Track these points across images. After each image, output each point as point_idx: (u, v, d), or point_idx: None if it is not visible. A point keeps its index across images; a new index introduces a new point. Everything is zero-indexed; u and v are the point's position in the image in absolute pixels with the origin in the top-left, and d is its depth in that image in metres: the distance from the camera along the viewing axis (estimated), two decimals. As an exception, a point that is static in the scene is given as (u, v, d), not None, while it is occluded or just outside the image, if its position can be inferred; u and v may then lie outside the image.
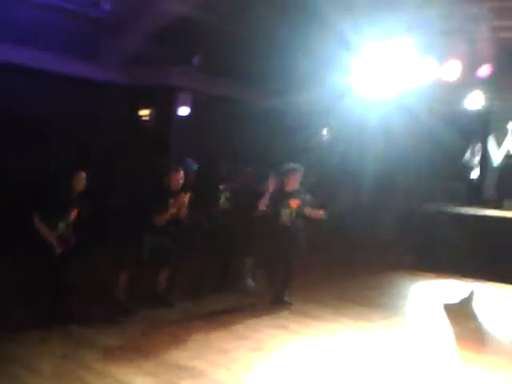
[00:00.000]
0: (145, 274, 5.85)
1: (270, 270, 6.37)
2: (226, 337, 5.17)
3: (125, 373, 4.17)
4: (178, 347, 4.82)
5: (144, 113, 10.54)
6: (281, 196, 6.14)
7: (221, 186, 6.95)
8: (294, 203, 6.08)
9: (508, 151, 10.86)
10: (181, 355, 4.63)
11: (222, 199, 6.91)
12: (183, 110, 10.30)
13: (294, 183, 6.12)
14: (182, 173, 5.96)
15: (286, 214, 6.07)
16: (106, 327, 5.22)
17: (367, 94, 8.94)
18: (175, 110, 10.37)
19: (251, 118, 10.76)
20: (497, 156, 10.86)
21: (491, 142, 11.40)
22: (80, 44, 8.64)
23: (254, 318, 5.77)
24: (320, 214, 6.11)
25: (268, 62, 9.37)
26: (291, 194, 6.12)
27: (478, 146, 10.97)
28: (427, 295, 7.44)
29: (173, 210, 5.76)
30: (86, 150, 8.87)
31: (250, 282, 6.91)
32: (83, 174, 5.33)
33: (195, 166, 7.46)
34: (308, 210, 6.12)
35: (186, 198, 5.88)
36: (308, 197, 6.23)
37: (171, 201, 5.76)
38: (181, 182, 5.93)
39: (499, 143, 11.12)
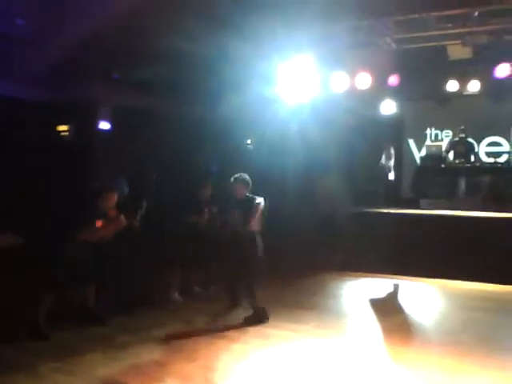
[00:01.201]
0: (68, 292, 5.78)
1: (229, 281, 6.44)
2: (159, 349, 5.19)
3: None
4: (108, 363, 4.79)
5: (63, 128, 10.36)
6: (227, 205, 6.27)
7: (143, 203, 6.92)
8: (237, 213, 6.15)
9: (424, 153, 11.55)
10: (112, 370, 4.61)
11: (139, 216, 6.89)
12: (104, 124, 10.22)
13: (240, 193, 6.18)
14: (115, 195, 5.89)
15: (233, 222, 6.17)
16: (30, 348, 5.11)
17: (286, 100, 9.22)
18: (96, 125, 10.27)
19: (175, 128, 10.80)
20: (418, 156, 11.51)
21: (412, 145, 12.09)
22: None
23: (188, 329, 5.82)
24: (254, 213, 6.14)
25: (190, 72, 9.46)
26: (236, 204, 6.18)
27: (392, 150, 11.57)
28: (356, 294, 7.76)
29: (100, 232, 5.73)
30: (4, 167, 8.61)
31: (177, 296, 6.96)
32: None
33: (127, 189, 7.35)
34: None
35: (123, 222, 5.89)
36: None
37: (101, 221, 5.72)
38: (113, 204, 5.87)
39: (418, 145, 11.80)
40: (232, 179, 6.23)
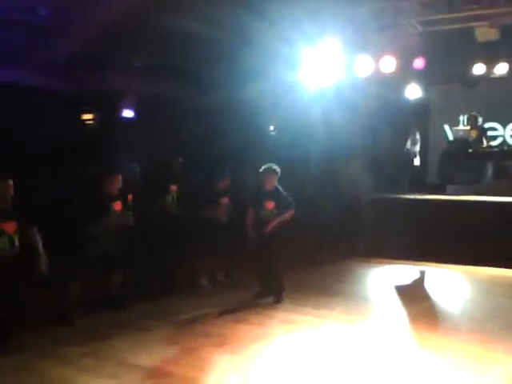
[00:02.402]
0: (94, 280, 5.85)
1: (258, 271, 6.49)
2: (189, 335, 5.23)
3: (85, 377, 4.17)
4: (137, 348, 4.84)
5: (88, 117, 10.45)
6: (258, 196, 6.29)
7: (172, 186, 6.94)
8: (269, 205, 6.20)
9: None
10: (140, 356, 4.65)
11: (170, 199, 6.91)
12: (127, 113, 10.28)
13: (270, 183, 6.22)
14: (119, 177, 5.93)
15: (265, 215, 6.22)
16: (59, 334, 5.19)
17: (309, 85, 9.14)
18: (119, 113, 10.34)
19: (197, 116, 10.82)
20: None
21: (448, 130, 11.88)
22: (19, 51, 8.49)
23: (215, 315, 5.84)
24: (287, 215, 6.25)
25: (213, 58, 9.44)
26: (268, 195, 6.23)
27: (418, 135, 11.40)
28: (382, 280, 7.74)
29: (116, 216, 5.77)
30: (29, 156, 8.72)
31: (206, 283, 6.99)
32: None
33: (137, 168, 7.38)
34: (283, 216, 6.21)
35: (129, 198, 5.91)
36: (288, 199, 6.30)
37: (112, 205, 5.77)
38: (119, 186, 5.90)
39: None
40: (262, 169, 6.24)
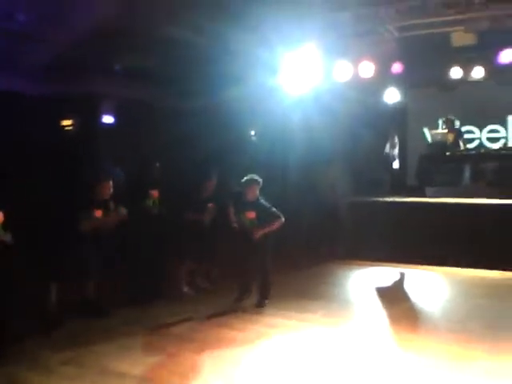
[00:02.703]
0: (72, 284, 5.83)
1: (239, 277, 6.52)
2: (169, 340, 5.22)
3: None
4: (118, 354, 4.82)
5: (67, 122, 10.38)
6: (240, 205, 6.31)
7: (152, 191, 6.92)
8: (250, 214, 6.21)
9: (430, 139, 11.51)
10: (122, 362, 4.64)
11: (150, 203, 6.89)
12: (107, 118, 10.24)
13: (252, 194, 6.23)
14: (111, 184, 5.97)
15: (245, 222, 6.25)
16: (39, 340, 5.14)
17: (289, 90, 9.20)
18: (99, 118, 10.29)
19: (177, 121, 10.80)
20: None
21: (427, 133, 12.01)
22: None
23: (198, 321, 5.85)
24: (274, 225, 6.23)
25: (193, 63, 9.44)
26: (249, 205, 6.24)
27: (397, 138, 11.54)
28: (362, 282, 7.80)
29: (100, 222, 5.76)
30: (7, 162, 8.62)
31: (187, 289, 6.99)
32: None
33: (121, 173, 7.32)
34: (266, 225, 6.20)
35: (124, 214, 5.94)
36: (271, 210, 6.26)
37: (98, 211, 5.77)
38: (110, 192, 5.94)
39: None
40: (245, 180, 6.25)
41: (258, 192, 6.26)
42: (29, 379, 4.32)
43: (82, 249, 5.71)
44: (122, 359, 4.72)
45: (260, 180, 6.29)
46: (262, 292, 6.39)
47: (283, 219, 6.23)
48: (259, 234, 6.16)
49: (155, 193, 6.88)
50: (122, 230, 6.16)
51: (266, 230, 6.20)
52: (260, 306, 6.30)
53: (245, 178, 6.29)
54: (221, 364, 4.64)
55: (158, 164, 7.15)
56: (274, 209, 6.26)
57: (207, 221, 6.91)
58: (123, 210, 5.99)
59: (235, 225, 6.36)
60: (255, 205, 6.23)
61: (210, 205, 6.93)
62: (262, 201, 6.28)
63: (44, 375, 4.40)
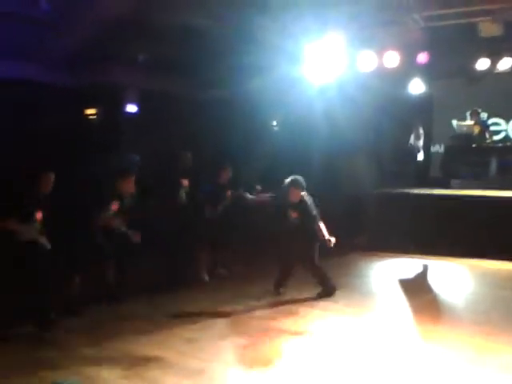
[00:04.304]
0: (95, 272, 5.89)
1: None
2: (192, 327, 5.26)
3: (89, 367, 4.20)
4: (141, 339, 4.88)
5: (91, 112, 10.48)
6: (284, 207, 6.25)
7: (184, 181, 6.94)
8: (294, 214, 6.18)
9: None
10: (146, 346, 4.69)
11: (182, 194, 6.93)
12: (131, 107, 10.31)
13: (294, 197, 6.14)
14: (133, 179, 5.96)
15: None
16: (63, 325, 5.21)
17: (312, 80, 9.15)
18: (123, 108, 10.37)
19: (201, 111, 10.84)
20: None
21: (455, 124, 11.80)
22: (21, 45, 8.50)
23: (218, 308, 5.88)
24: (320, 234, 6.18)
25: (216, 53, 9.45)
26: (292, 207, 6.18)
27: (421, 130, 11.40)
28: (385, 273, 7.77)
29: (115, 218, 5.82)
30: (34, 151, 8.74)
31: (206, 276, 7.03)
32: (52, 176, 5.30)
33: (137, 157, 7.32)
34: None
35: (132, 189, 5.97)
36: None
37: (117, 204, 5.81)
38: (132, 189, 5.96)
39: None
40: (287, 183, 6.16)
41: (299, 193, 6.13)
42: (54, 360, 4.38)
43: (99, 235, 5.76)
44: (144, 343, 4.78)
45: (299, 182, 6.13)
46: (321, 284, 6.37)
47: (320, 223, 6.18)
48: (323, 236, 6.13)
49: (186, 182, 6.92)
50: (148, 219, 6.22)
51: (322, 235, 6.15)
52: (322, 296, 6.28)
53: (287, 179, 6.17)
54: (241, 350, 4.66)
55: (189, 154, 7.19)
56: (314, 212, 6.20)
57: (221, 208, 6.94)
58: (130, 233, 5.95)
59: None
60: (298, 206, 6.16)
61: (228, 193, 6.96)
62: (307, 202, 6.19)
63: (69, 357, 4.46)
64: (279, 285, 6.46)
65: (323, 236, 6.12)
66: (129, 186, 5.94)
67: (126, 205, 5.99)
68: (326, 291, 6.32)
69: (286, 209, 6.22)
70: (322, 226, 6.18)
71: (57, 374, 4.06)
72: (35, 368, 4.19)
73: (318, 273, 6.36)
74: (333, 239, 6.11)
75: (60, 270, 5.44)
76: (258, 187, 6.93)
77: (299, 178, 6.16)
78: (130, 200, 6.06)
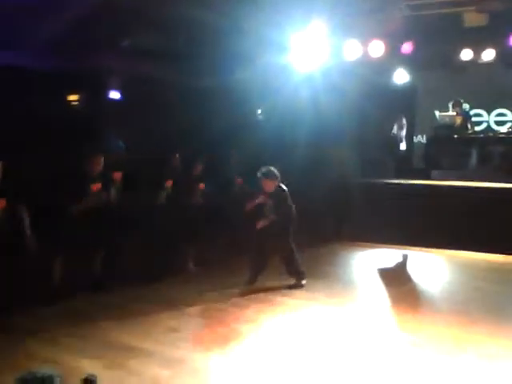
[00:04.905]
0: (76, 259, 5.86)
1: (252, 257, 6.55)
2: (174, 316, 5.29)
3: (70, 357, 4.21)
4: (123, 328, 4.90)
5: (74, 98, 10.35)
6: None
7: (167, 182, 6.91)
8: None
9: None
10: (125, 335, 4.72)
11: (164, 195, 6.90)
12: (114, 94, 10.21)
13: (268, 187, 6.21)
14: (101, 158, 5.92)
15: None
16: (44, 314, 5.24)
17: (298, 68, 9.13)
18: (106, 94, 10.26)
19: (184, 99, 10.75)
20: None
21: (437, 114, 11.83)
22: (3, 31, 8.35)
23: (201, 298, 5.91)
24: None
25: (201, 41, 9.37)
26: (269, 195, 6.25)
27: (404, 120, 11.45)
28: (365, 263, 7.87)
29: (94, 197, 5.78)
30: (14, 137, 8.63)
31: (192, 267, 7.06)
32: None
33: (123, 145, 7.23)
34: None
35: (117, 177, 5.93)
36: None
37: (92, 186, 5.78)
38: (100, 167, 5.92)
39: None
40: (259, 174, 6.20)
41: (273, 184, 6.20)
42: (34, 349, 4.39)
43: (83, 224, 5.71)
44: (126, 332, 4.80)
45: (270, 173, 6.19)
46: (296, 274, 6.43)
47: (292, 217, 6.30)
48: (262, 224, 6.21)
49: (170, 183, 6.90)
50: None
51: (267, 221, 6.22)
52: (297, 286, 6.34)
53: (262, 170, 6.22)
54: (224, 340, 4.70)
55: (177, 155, 7.14)
56: (288, 209, 6.28)
57: (199, 203, 6.98)
58: (104, 195, 5.93)
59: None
60: (273, 195, 6.23)
61: (200, 185, 7.01)
62: (281, 192, 6.26)
63: (49, 346, 4.47)
64: (256, 275, 6.47)
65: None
66: (97, 165, 5.89)
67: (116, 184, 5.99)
68: (297, 284, 6.38)
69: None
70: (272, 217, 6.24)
71: (35, 363, 4.04)
72: (13, 357, 4.19)
73: (295, 263, 6.42)
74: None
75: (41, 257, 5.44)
76: (239, 179, 6.95)
77: (271, 168, 6.22)
78: (115, 191, 6.03)
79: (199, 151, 7.33)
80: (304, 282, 6.42)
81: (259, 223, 6.22)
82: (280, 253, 6.44)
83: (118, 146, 6.78)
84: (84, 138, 8.87)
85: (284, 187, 6.31)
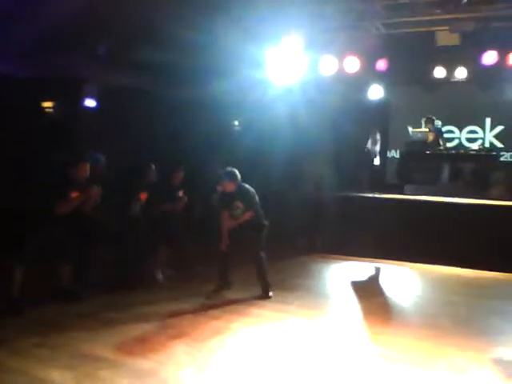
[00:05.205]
0: (42, 268, 5.79)
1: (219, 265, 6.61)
2: (143, 327, 5.24)
3: (39, 368, 4.14)
4: (92, 338, 4.83)
5: (48, 105, 10.25)
6: (226, 199, 6.44)
7: (142, 194, 6.85)
8: (239, 204, 6.37)
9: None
10: (96, 346, 4.65)
11: (137, 208, 6.84)
12: (89, 102, 10.14)
13: (228, 187, 6.38)
14: (88, 165, 5.93)
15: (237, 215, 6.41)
16: (13, 324, 5.12)
17: (274, 82, 9.21)
18: (81, 102, 10.18)
19: (161, 109, 10.73)
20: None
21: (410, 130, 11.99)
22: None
23: (172, 308, 5.86)
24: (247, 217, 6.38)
25: (178, 53, 9.38)
26: (233, 197, 6.37)
27: (378, 135, 11.61)
28: (338, 276, 7.89)
29: (76, 202, 5.73)
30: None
31: (161, 277, 7.00)
32: None
33: (102, 159, 7.16)
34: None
35: (96, 191, 5.90)
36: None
37: (75, 193, 5.73)
38: (86, 174, 5.91)
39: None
40: (221, 175, 6.39)
41: (233, 184, 6.36)
42: (2, 360, 4.29)
43: (54, 232, 5.64)
44: (96, 343, 4.72)
45: (232, 173, 6.37)
46: (263, 284, 6.46)
47: (252, 212, 6.38)
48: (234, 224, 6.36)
49: (143, 195, 6.83)
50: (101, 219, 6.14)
51: (236, 223, 6.38)
52: (263, 297, 6.35)
53: (223, 171, 6.41)
54: (194, 351, 4.66)
55: (153, 166, 7.11)
56: (252, 199, 6.39)
57: (179, 211, 7.01)
58: (96, 188, 5.92)
59: (225, 237, 6.42)
60: (237, 195, 6.36)
61: (180, 193, 7.05)
62: (242, 190, 6.39)
63: (18, 356, 4.38)
64: (221, 281, 6.52)
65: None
66: (82, 173, 5.87)
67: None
68: (264, 296, 6.39)
69: (229, 200, 6.39)
70: (249, 214, 6.38)
71: (5, 375, 3.97)
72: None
73: (261, 266, 6.45)
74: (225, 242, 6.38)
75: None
76: (219, 187, 6.96)
77: (231, 169, 6.40)
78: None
79: (178, 160, 7.32)
80: (271, 293, 6.43)
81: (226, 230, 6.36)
82: (250, 259, 6.48)
83: (97, 159, 6.65)
84: (58, 145, 8.80)
85: (248, 186, 6.44)
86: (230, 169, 6.42)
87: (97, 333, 4.99)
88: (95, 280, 6.45)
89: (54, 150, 8.40)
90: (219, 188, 6.70)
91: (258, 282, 6.50)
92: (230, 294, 6.43)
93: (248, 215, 6.38)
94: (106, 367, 4.23)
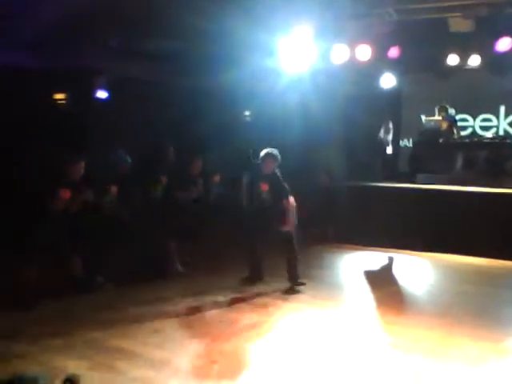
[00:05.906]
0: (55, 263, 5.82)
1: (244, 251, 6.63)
2: (159, 317, 5.27)
3: (57, 358, 4.20)
4: (108, 329, 4.88)
5: (60, 96, 10.28)
6: (255, 177, 6.43)
7: (162, 178, 6.87)
8: (264, 187, 6.37)
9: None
10: (113, 337, 4.70)
11: (159, 190, 6.85)
12: (101, 93, 10.16)
13: (267, 168, 6.37)
14: (83, 165, 5.88)
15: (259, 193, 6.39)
16: (29, 315, 5.19)
17: (286, 71, 9.16)
18: (93, 93, 10.20)
19: (172, 99, 10.73)
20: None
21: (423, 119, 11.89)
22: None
23: (188, 299, 5.91)
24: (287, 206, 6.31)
25: (190, 43, 9.36)
26: (264, 178, 6.38)
27: (391, 124, 11.54)
28: (351, 266, 7.92)
29: (63, 201, 5.68)
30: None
31: (179, 267, 7.02)
32: None
33: (129, 159, 7.12)
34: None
35: (114, 190, 5.93)
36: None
37: (64, 191, 5.67)
38: (81, 173, 5.87)
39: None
40: (263, 153, 6.38)
41: (273, 166, 6.38)
42: (20, 350, 4.35)
43: (57, 225, 5.65)
44: (112, 333, 4.78)
45: (275, 154, 6.39)
46: (290, 279, 6.42)
47: (290, 199, 6.35)
48: (286, 223, 6.29)
49: (165, 179, 6.85)
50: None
51: (289, 218, 6.30)
52: (290, 292, 6.30)
53: (263, 151, 6.40)
54: (206, 341, 4.71)
55: (172, 148, 7.11)
56: (285, 185, 6.38)
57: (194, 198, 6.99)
58: (90, 193, 5.91)
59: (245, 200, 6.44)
60: (269, 177, 6.37)
61: (199, 182, 7.04)
62: (277, 174, 6.41)
63: (35, 347, 4.43)
64: (254, 274, 6.52)
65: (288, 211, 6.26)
66: (75, 172, 5.84)
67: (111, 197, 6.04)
68: (291, 291, 6.33)
69: (257, 182, 6.36)
70: (292, 200, 6.36)
71: (22, 364, 4.03)
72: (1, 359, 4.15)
73: (292, 267, 6.40)
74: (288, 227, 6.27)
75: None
76: (217, 177, 6.99)
77: (275, 150, 6.39)
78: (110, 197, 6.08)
79: (196, 149, 7.32)
80: (298, 288, 6.36)
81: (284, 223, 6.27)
82: (283, 253, 6.46)
83: (123, 159, 6.61)
84: (71, 137, 8.84)
85: (279, 173, 6.43)
86: (275, 150, 6.40)
87: (111, 323, 5.04)
88: (110, 271, 6.48)
89: (64, 143, 8.46)
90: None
91: (288, 275, 6.44)
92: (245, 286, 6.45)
93: (286, 203, 6.32)
94: (121, 357, 4.28)
